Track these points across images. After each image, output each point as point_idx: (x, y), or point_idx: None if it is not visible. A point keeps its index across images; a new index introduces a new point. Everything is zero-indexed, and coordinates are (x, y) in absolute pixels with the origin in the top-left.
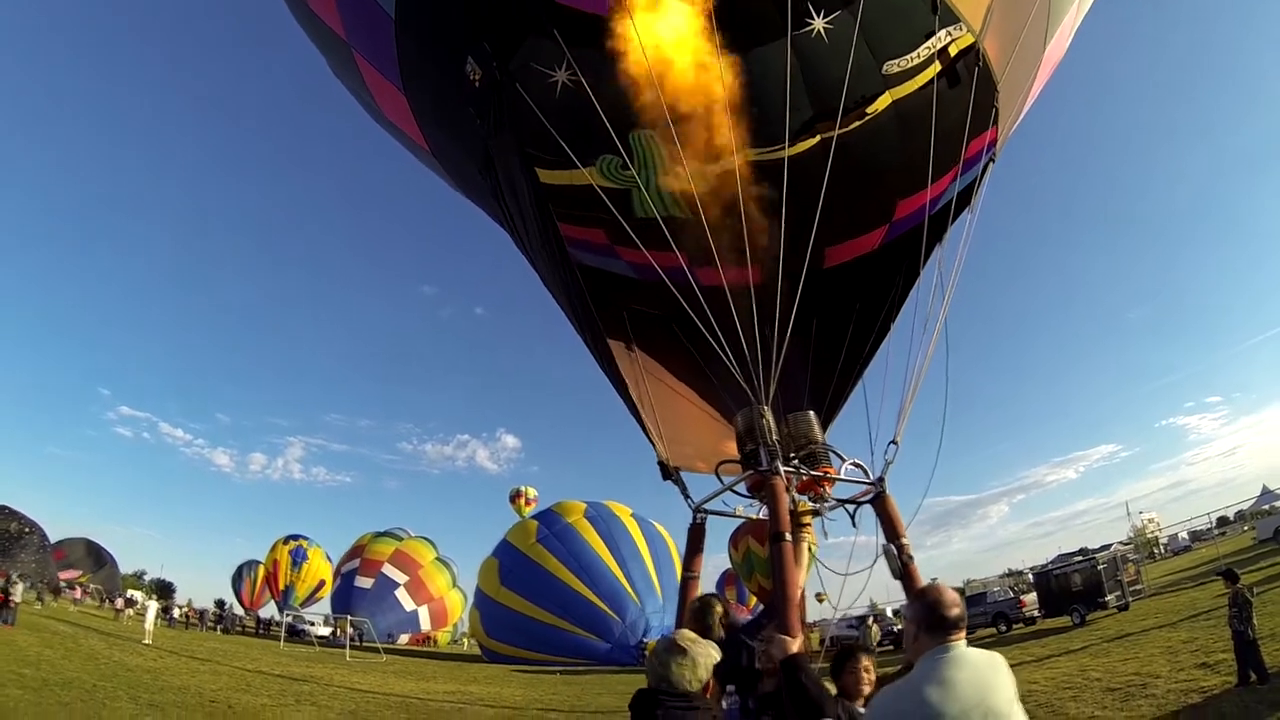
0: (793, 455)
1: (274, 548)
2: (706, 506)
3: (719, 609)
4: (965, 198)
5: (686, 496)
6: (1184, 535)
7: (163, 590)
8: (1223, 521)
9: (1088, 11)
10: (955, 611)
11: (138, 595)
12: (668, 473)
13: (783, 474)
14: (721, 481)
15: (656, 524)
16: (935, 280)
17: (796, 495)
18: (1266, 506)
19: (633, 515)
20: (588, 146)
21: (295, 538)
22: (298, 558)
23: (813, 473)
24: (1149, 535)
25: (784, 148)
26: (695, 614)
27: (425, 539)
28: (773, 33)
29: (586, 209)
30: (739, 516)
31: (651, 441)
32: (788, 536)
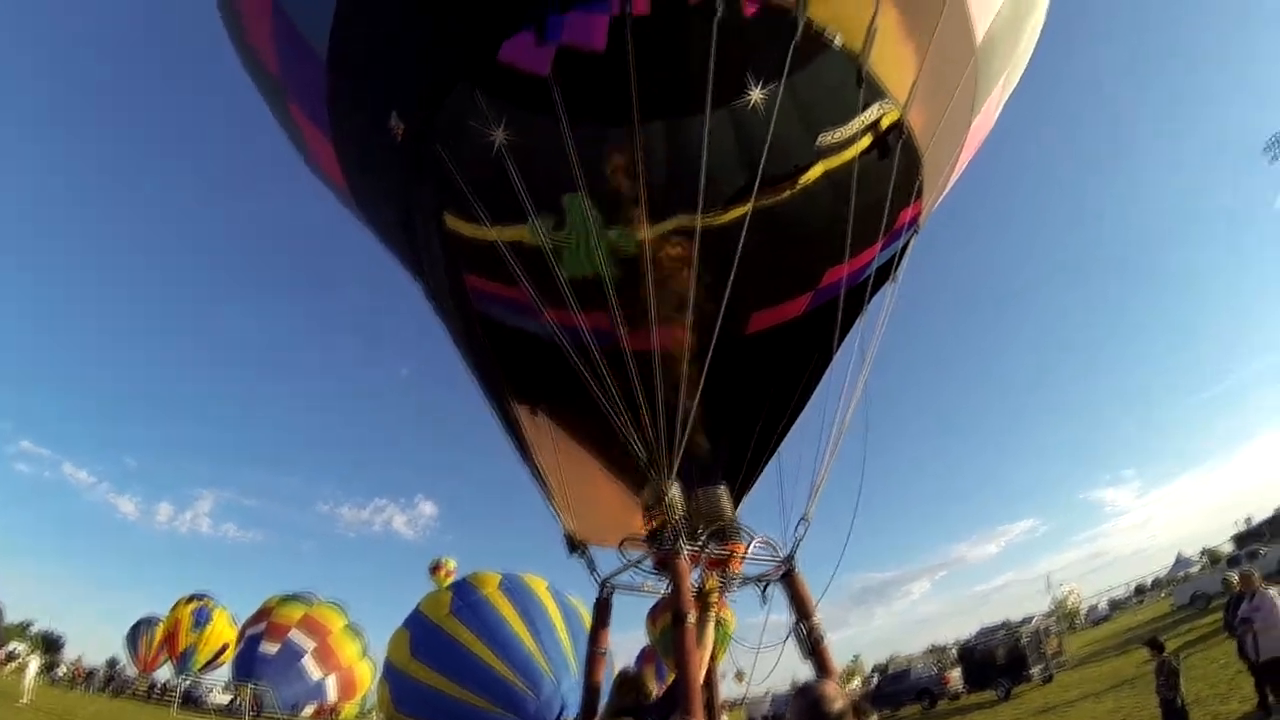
0: (700, 531)
1: (175, 606)
2: (614, 581)
3: (651, 685)
4: (887, 272)
5: (593, 570)
6: (1104, 605)
7: (50, 644)
8: (1140, 590)
9: (1014, 89)
10: (838, 707)
11: (20, 648)
12: (574, 545)
13: (685, 553)
14: (625, 558)
15: (572, 598)
16: (855, 353)
17: (704, 572)
18: (1182, 574)
19: (549, 588)
20: (520, 206)
21: (199, 596)
22: (200, 618)
23: (718, 550)
24: (1070, 606)
25: (716, 214)
26: (625, 689)
27: (336, 604)
28: (707, 103)
29: (511, 267)
30: (648, 592)
31: (556, 513)
32: (690, 618)
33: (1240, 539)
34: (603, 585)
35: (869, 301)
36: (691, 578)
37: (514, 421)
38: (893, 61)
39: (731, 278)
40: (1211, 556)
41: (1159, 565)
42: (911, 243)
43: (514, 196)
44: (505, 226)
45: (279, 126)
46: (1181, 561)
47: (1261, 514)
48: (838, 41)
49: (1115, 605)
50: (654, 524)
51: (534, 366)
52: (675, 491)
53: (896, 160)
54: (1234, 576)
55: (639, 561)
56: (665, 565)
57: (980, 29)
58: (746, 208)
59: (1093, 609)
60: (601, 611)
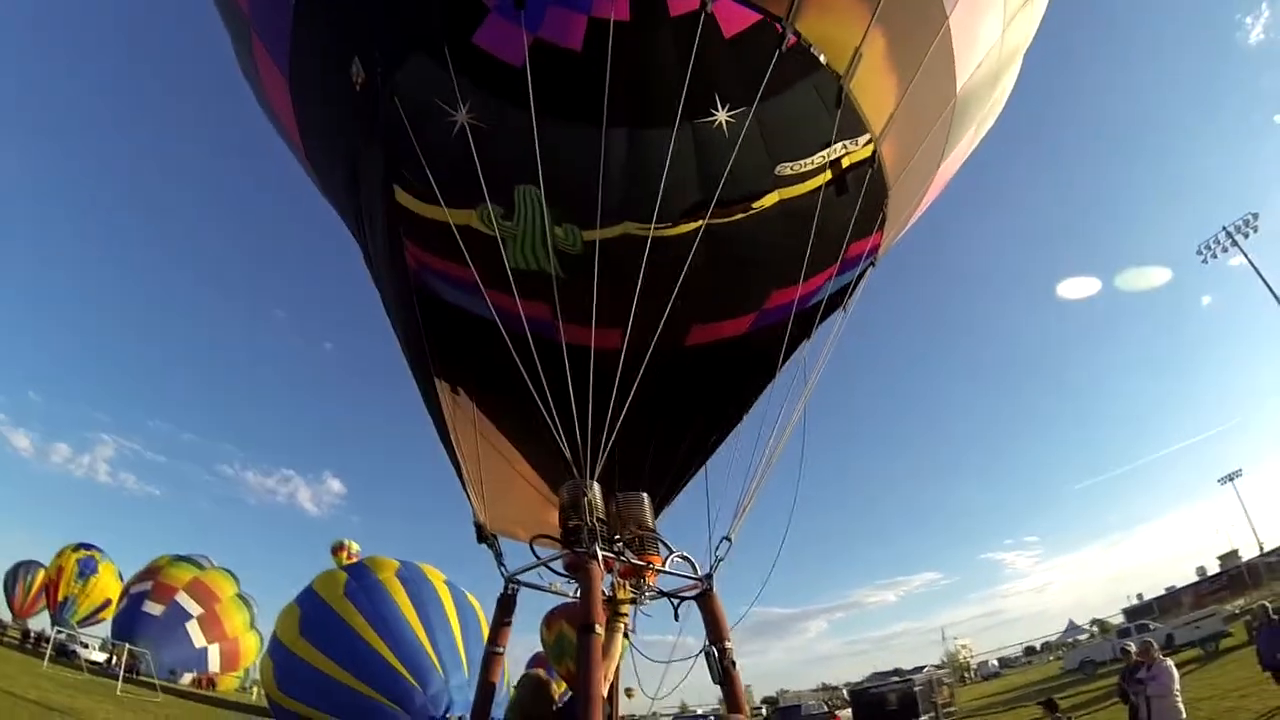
0: (617, 538)
1: (61, 554)
2: (521, 578)
3: (556, 689)
4: (838, 300)
5: (500, 564)
6: (994, 662)
7: None
8: (1030, 651)
9: (983, 138)
10: None
11: None
12: (483, 535)
13: (600, 558)
14: (537, 556)
15: (470, 595)
16: (794, 380)
17: (616, 581)
18: (1071, 639)
19: (446, 582)
20: (473, 191)
21: (87, 547)
22: (86, 569)
23: (634, 560)
24: (962, 660)
25: (667, 226)
26: (533, 692)
27: (227, 571)
28: (673, 117)
29: (458, 248)
30: (556, 593)
31: (469, 498)
32: (598, 629)
33: (1131, 613)
34: (508, 581)
35: (816, 327)
36: (603, 585)
37: (436, 399)
38: (874, 91)
39: (676, 290)
40: (1102, 627)
41: (1051, 629)
42: (867, 274)
43: (466, 178)
44: (455, 210)
45: (238, 66)
46: (1073, 628)
47: (1152, 592)
48: (822, 59)
49: (1005, 663)
50: (571, 523)
51: (467, 345)
52: (596, 493)
53: (864, 189)
54: (1133, 646)
55: (549, 561)
56: (577, 568)
57: (963, 74)
58: (698, 224)
59: (983, 664)
60: (504, 608)
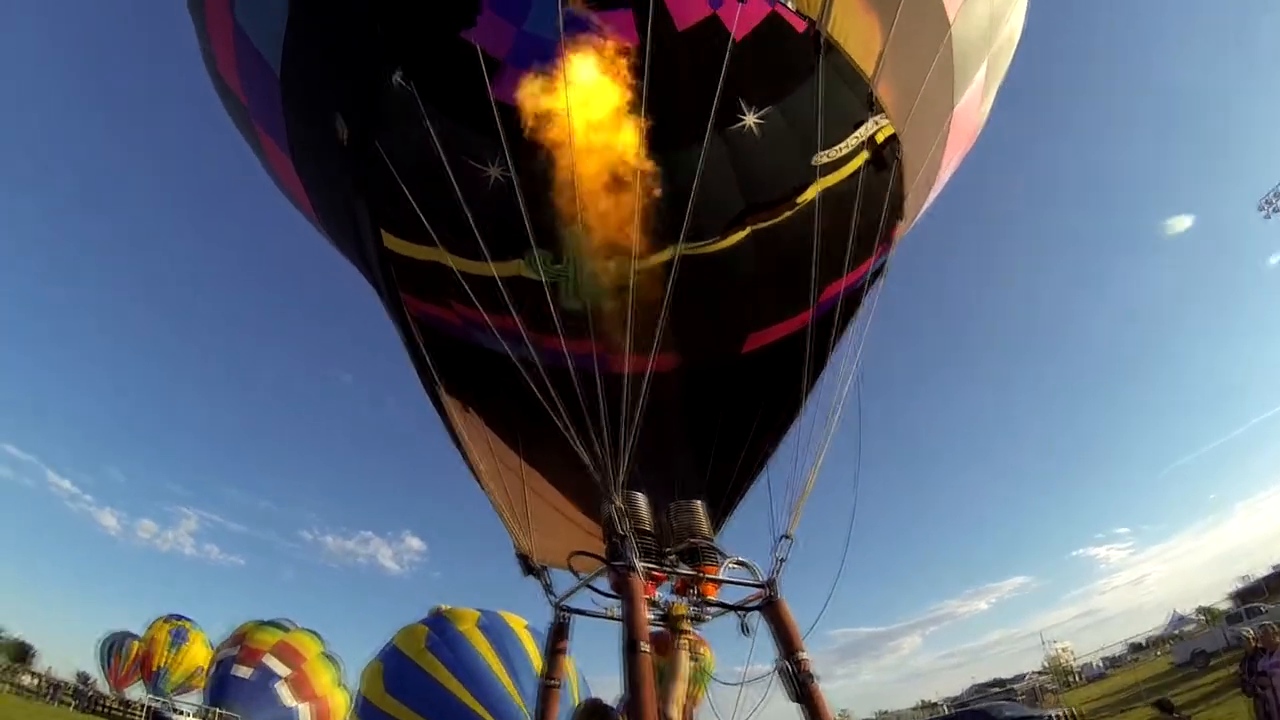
0: (669, 550)
1: (153, 625)
2: (573, 605)
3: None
4: (880, 271)
5: (550, 592)
6: (1098, 662)
7: (20, 653)
8: (1135, 648)
9: (999, 85)
10: None
11: None
12: (529, 567)
13: (640, 570)
14: (576, 574)
15: (568, 664)
16: (847, 361)
17: (670, 597)
18: (1177, 631)
19: (528, 627)
20: (517, 240)
21: (178, 617)
22: (178, 639)
23: (683, 571)
24: (1064, 663)
25: (715, 240)
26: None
27: (312, 632)
28: (703, 130)
29: (500, 297)
30: (610, 618)
31: (510, 530)
32: (644, 647)
33: (1240, 596)
34: (557, 609)
35: (862, 304)
36: (659, 600)
37: (460, 437)
38: (856, 31)
39: (731, 305)
40: (1209, 614)
41: (1154, 623)
42: (898, 227)
43: (507, 229)
44: (504, 262)
45: (254, 153)
46: (1178, 619)
47: (1259, 571)
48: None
49: (1111, 663)
50: (611, 540)
51: (501, 384)
52: (641, 504)
53: (893, 171)
54: (1249, 631)
55: (590, 579)
56: (619, 585)
57: (952, 7)
58: (745, 232)
59: (1087, 666)
60: (555, 638)
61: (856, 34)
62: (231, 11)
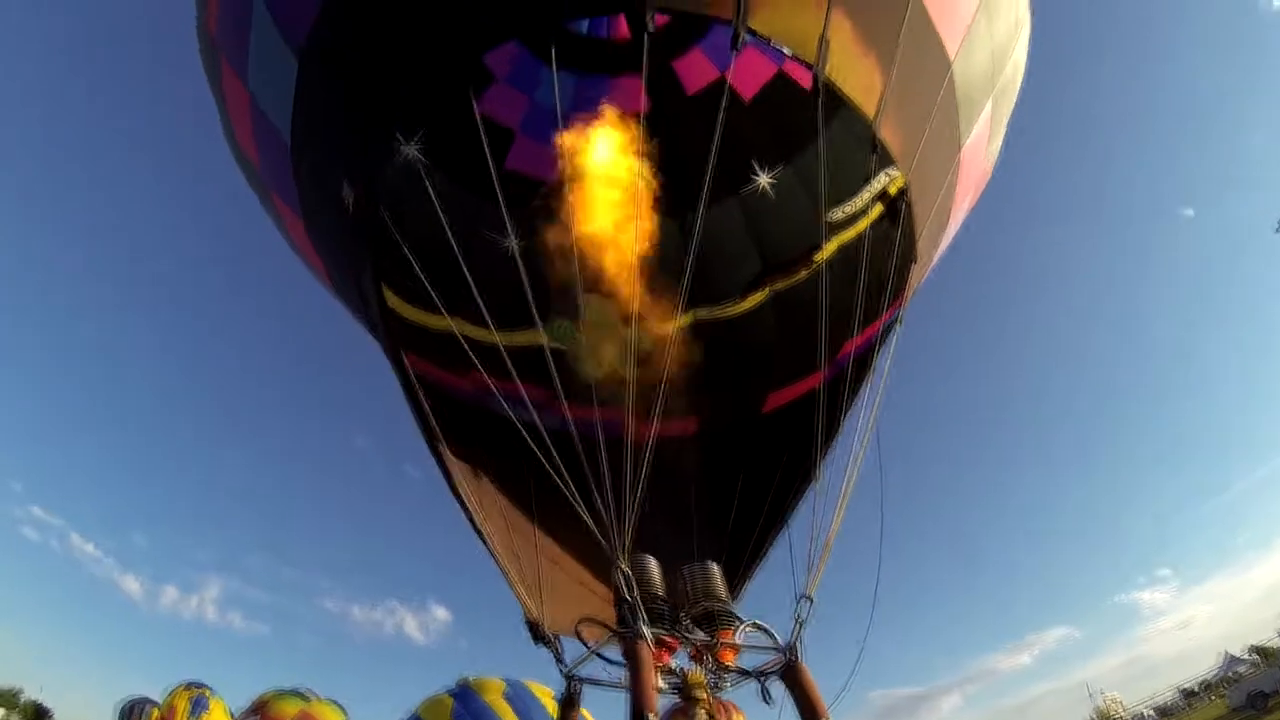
0: (683, 615)
1: (173, 692)
2: (585, 674)
3: None
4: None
5: (560, 661)
6: (1149, 712)
7: (38, 715)
8: (1188, 694)
9: (1006, 126)
10: None
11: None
12: (538, 634)
13: (649, 637)
14: (583, 642)
15: (584, 711)
16: (863, 415)
17: (687, 664)
18: (1231, 673)
19: (554, 697)
20: (538, 310)
21: (198, 685)
22: (198, 707)
23: (694, 636)
24: (1115, 715)
25: (735, 303)
26: None
27: (334, 702)
28: (719, 192)
29: (513, 365)
30: (622, 688)
31: (518, 596)
32: (650, 718)
33: None
34: (567, 678)
35: (876, 356)
36: (675, 668)
37: (468, 501)
38: (856, 74)
39: (751, 368)
40: (1263, 654)
41: (1205, 666)
42: (911, 271)
43: (524, 300)
44: (529, 329)
45: (271, 221)
46: (1230, 660)
47: None
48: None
49: (1164, 711)
50: (620, 606)
51: (506, 448)
52: (653, 568)
53: (901, 222)
54: None
55: (598, 647)
56: (626, 653)
57: (951, 44)
58: (765, 293)
59: (1139, 717)
60: (565, 707)
61: (856, 75)
62: (246, 83)
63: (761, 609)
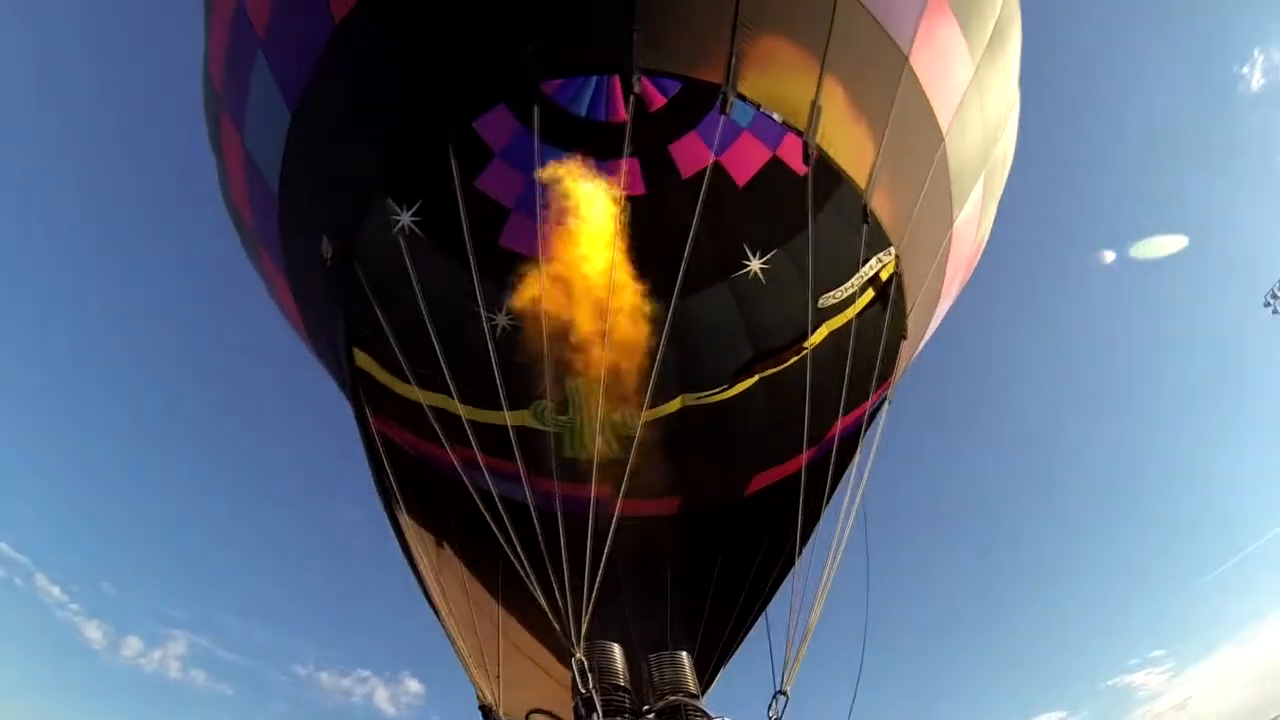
0: (647, 710)
1: None
2: None
3: None
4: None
5: None
6: None
7: None
8: None
9: (999, 200)
10: None
11: None
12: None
13: None
14: None
15: None
16: (847, 499)
17: None
18: None
19: None
20: (527, 389)
21: None
22: None
23: None
24: None
25: (723, 389)
26: None
27: None
28: (711, 277)
29: (489, 442)
30: None
31: (470, 677)
32: None
33: None
34: None
35: (863, 438)
36: None
37: (423, 574)
38: (848, 143)
39: (736, 448)
40: None
41: None
42: (901, 346)
43: (510, 379)
44: (515, 411)
45: (259, 277)
46: None
47: None
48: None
49: None
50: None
51: (479, 525)
52: (615, 654)
53: (890, 304)
54: None
55: None
56: None
57: (944, 116)
58: (753, 380)
59: None
60: None
61: (847, 142)
62: (243, 139)
63: (732, 701)
